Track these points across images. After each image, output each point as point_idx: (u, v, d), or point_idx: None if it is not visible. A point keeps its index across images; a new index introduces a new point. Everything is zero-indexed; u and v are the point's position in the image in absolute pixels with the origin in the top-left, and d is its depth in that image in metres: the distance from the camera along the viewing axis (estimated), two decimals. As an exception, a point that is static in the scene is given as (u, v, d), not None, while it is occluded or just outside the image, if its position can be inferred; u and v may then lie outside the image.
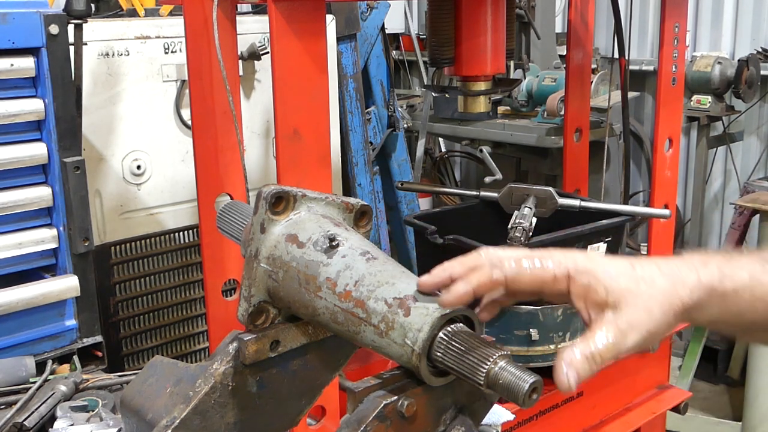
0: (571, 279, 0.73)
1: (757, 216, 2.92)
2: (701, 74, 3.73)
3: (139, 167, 2.05)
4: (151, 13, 2.14)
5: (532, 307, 1.87)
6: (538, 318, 1.81)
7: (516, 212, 1.92)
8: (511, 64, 3.57)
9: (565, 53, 2.59)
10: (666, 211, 2.05)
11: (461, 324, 0.70)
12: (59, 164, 1.48)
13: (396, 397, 0.70)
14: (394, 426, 0.70)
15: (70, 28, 1.53)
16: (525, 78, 3.79)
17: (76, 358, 1.54)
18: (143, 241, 2.06)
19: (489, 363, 0.66)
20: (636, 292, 0.73)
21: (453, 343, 0.68)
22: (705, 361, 3.53)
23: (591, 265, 0.74)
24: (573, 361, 0.69)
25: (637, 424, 2.09)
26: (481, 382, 0.67)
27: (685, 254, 0.79)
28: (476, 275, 0.73)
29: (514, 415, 1.63)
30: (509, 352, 0.69)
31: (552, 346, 1.83)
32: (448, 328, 0.69)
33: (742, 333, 0.84)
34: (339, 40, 2.48)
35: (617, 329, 0.71)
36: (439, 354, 0.68)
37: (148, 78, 2.02)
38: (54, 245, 1.52)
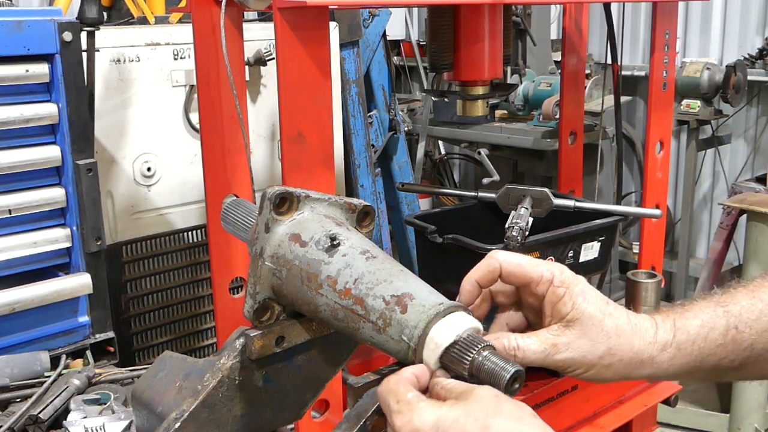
0: (552, 286, 0.76)
1: (745, 216, 2.91)
2: (691, 79, 3.77)
3: (149, 169, 2.06)
4: (160, 20, 2.16)
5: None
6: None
7: (513, 212, 1.93)
8: (508, 69, 3.60)
9: (560, 59, 2.61)
10: (657, 211, 2.07)
11: None
12: (72, 166, 1.49)
13: None
14: None
15: (83, 35, 1.54)
16: (521, 83, 3.80)
17: (88, 353, 1.55)
18: (153, 241, 2.08)
19: (473, 353, 0.68)
20: (596, 320, 0.75)
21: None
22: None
23: (574, 282, 0.77)
24: (493, 342, 0.71)
25: (629, 417, 2.11)
26: (466, 371, 0.68)
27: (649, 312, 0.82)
28: (475, 269, 0.77)
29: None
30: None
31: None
32: None
33: (715, 376, 0.84)
34: (342, 46, 2.50)
35: (552, 343, 0.74)
36: None
37: (157, 83, 2.04)
38: (67, 244, 1.54)
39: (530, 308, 0.81)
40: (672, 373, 0.81)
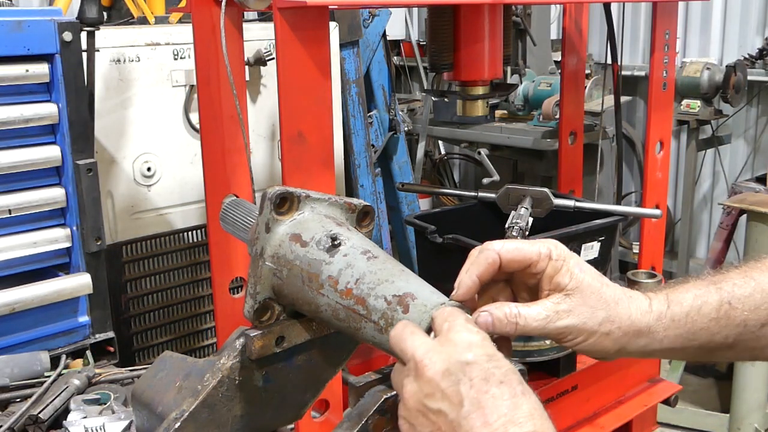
0: (551, 260, 0.77)
1: (745, 216, 2.93)
2: (691, 79, 3.78)
3: (149, 169, 2.07)
4: (160, 20, 2.16)
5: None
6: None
7: (513, 212, 1.93)
8: (508, 69, 3.61)
9: (560, 59, 2.62)
10: (657, 211, 2.07)
11: None
12: (72, 166, 1.50)
13: (396, 392, 0.71)
14: (394, 419, 0.71)
15: (83, 35, 1.54)
16: (521, 83, 3.80)
17: (88, 353, 1.56)
18: (153, 241, 2.08)
19: None
20: (594, 289, 0.77)
21: None
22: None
23: (570, 255, 0.78)
24: (494, 311, 0.73)
25: (629, 417, 2.12)
26: None
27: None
28: (473, 263, 0.77)
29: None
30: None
31: (548, 342, 1.86)
32: None
33: (708, 353, 0.83)
34: (342, 46, 2.51)
35: (554, 310, 0.75)
36: None
37: (157, 83, 2.04)
38: (67, 244, 1.54)
39: (523, 284, 0.81)
40: (666, 346, 0.81)
